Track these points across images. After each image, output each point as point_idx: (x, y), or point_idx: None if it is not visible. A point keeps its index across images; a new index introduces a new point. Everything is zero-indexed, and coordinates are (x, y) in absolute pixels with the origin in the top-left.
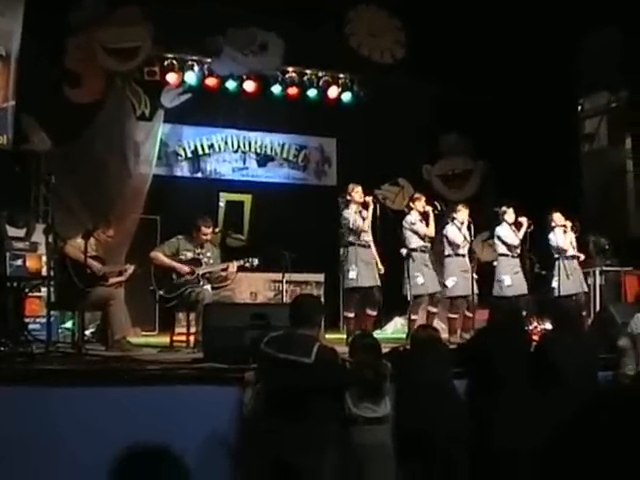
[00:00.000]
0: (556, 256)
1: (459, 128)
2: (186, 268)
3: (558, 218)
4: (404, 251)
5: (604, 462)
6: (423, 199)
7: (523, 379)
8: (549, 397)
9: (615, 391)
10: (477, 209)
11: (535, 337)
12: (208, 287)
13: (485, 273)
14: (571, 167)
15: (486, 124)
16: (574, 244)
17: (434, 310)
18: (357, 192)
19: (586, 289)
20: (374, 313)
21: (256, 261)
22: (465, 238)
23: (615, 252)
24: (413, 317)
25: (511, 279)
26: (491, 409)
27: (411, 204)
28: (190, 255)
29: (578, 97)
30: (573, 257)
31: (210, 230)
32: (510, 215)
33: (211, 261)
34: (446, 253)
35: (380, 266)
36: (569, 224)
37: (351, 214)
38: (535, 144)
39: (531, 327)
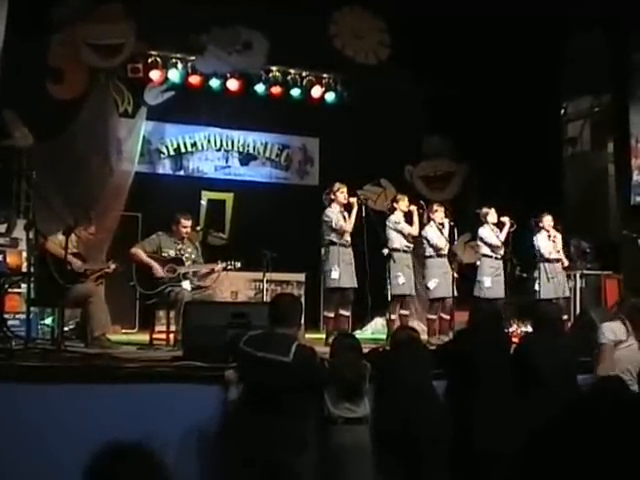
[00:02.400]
0: (538, 259)
1: (442, 130)
2: (161, 271)
3: (548, 221)
4: (385, 251)
5: (583, 464)
6: (406, 199)
7: (503, 381)
8: (529, 399)
9: (594, 395)
10: (459, 211)
11: (515, 339)
12: (188, 287)
13: (466, 275)
14: (554, 170)
15: (469, 126)
16: (558, 248)
17: (405, 313)
18: (342, 192)
19: (568, 294)
20: (348, 314)
21: (239, 264)
22: (445, 239)
23: (596, 256)
24: (393, 317)
25: (491, 281)
26: (470, 411)
27: (394, 204)
28: (172, 252)
29: (562, 101)
30: (557, 260)
31: (189, 223)
32: (492, 216)
33: (193, 256)
34: (427, 254)
35: None
36: (553, 231)
37: (334, 213)
38: (518, 147)
39: (511, 329)
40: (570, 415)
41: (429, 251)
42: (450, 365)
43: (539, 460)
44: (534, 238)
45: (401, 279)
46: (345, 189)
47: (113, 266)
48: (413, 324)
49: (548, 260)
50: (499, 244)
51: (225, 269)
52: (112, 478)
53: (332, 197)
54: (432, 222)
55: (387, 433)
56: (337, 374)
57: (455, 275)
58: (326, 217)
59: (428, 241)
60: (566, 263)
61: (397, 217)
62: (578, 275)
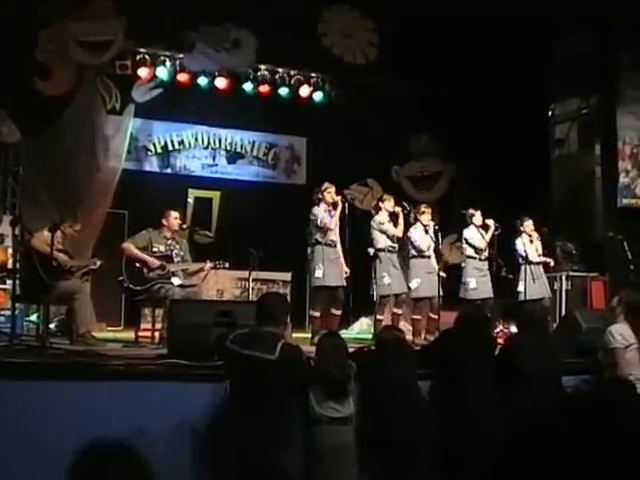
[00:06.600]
0: (521, 261)
1: (429, 130)
2: (157, 262)
3: (528, 225)
4: (371, 251)
5: (563, 467)
6: (392, 199)
7: (487, 381)
8: (513, 400)
9: (577, 396)
10: (445, 211)
11: (500, 340)
12: (178, 284)
13: (452, 275)
14: (541, 172)
15: (456, 127)
16: (539, 251)
17: (399, 312)
18: (329, 192)
19: (550, 294)
20: (339, 313)
21: (227, 264)
22: (430, 239)
23: (582, 257)
24: (379, 317)
25: (476, 282)
26: (454, 411)
27: (380, 204)
28: (162, 248)
29: (549, 102)
30: (538, 263)
31: (178, 215)
32: (478, 217)
33: (181, 253)
34: (411, 254)
35: (346, 268)
36: (535, 234)
37: (320, 212)
38: (505, 148)
39: (496, 330)
40: (553, 416)
41: (413, 251)
42: (434, 365)
43: (517, 463)
44: (516, 241)
45: (387, 279)
46: (333, 189)
47: (99, 262)
48: (399, 324)
49: (532, 262)
50: (483, 246)
51: (214, 268)
52: (97, 476)
53: (320, 196)
54: (418, 223)
55: (371, 433)
56: (323, 373)
57: (442, 274)
58: (312, 215)
59: (412, 242)
60: (552, 263)
61: (381, 217)
62: (564, 277)
